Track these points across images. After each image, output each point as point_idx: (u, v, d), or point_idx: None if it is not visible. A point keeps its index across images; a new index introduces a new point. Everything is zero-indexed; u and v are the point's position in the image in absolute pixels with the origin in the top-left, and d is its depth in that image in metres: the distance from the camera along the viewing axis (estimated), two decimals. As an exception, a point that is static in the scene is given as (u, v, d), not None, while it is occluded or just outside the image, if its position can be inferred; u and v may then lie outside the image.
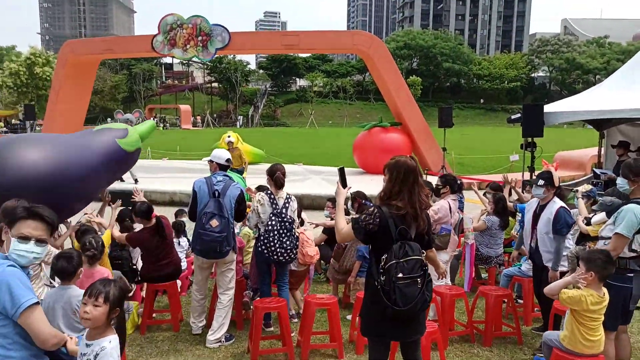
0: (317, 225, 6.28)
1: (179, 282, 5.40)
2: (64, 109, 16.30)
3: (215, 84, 72.54)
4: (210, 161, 4.77)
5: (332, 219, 6.20)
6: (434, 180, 6.48)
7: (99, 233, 4.69)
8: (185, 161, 19.25)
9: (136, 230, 5.02)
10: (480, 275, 6.42)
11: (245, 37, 15.85)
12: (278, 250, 4.60)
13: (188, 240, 6.03)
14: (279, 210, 4.64)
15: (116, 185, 11.40)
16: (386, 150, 13.69)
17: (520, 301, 5.32)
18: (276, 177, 4.69)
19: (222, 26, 15.07)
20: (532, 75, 77.11)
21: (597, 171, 9.56)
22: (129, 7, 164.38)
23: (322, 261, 6.56)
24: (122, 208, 5.53)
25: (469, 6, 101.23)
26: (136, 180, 12.23)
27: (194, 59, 16.08)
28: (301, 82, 76.67)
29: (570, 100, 10.15)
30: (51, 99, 16.91)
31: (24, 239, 2.50)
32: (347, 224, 2.98)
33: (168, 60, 70.35)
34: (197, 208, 4.49)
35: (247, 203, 4.99)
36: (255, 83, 76.22)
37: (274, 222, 4.61)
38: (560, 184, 4.70)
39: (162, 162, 19.33)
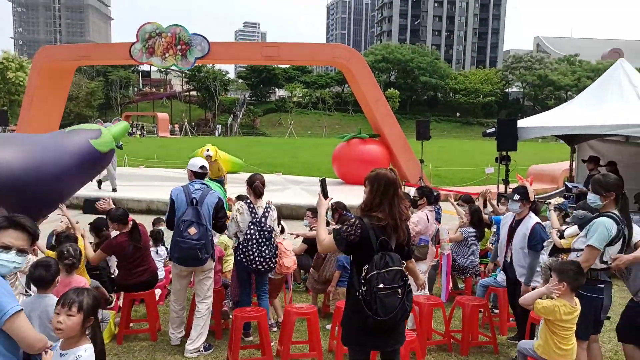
0: (297, 236, 6.30)
1: (157, 292, 5.34)
2: (38, 114, 15.96)
3: (193, 93, 72.09)
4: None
5: (311, 229, 6.24)
6: (412, 191, 6.59)
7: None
8: (163, 169, 19.04)
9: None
10: (457, 285, 6.52)
11: (225, 47, 15.86)
12: (257, 259, 4.60)
13: (166, 248, 5.98)
14: (258, 219, 4.65)
15: (92, 193, 11.22)
16: (365, 161, 13.84)
17: (496, 311, 5.42)
18: (255, 186, 4.72)
19: (202, 36, 15.04)
20: (506, 90, 79.12)
21: (569, 184, 9.85)
22: (106, 14, 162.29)
23: (301, 270, 6.58)
24: (98, 217, 5.46)
25: (445, 22, 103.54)
26: (114, 190, 12.05)
27: (173, 67, 16.00)
28: (280, 93, 76.86)
29: (543, 115, 10.46)
30: (25, 104, 16.53)
31: (5, 248, 2.47)
32: (329, 234, 3.02)
33: (145, 67, 69.69)
34: (175, 216, 4.47)
35: (227, 212, 4.99)
36: (235, 92, 76.05)
37: (252, 231, 4.61)
38: (535, 198, 4.83)
39: (139, 170, 19.07)
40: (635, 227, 3.93)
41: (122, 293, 5.00)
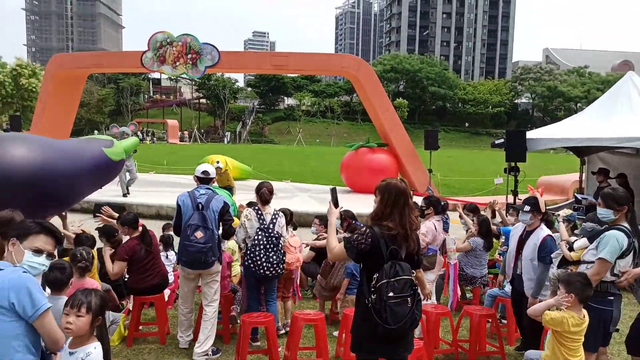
0: (306, 245, 6.33)
1: (166, 292, 5.39)
2: (51, 121, 16.18)
3: (203, 100, 72.63)
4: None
5: (318, 237, 6.28)
6: (419, 200, 6.61)
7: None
8: (172, 175, 19.19)
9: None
10: (465, 295, 6.51)
11: (234, 57, 16.03)
12: (264, 264, 4.65)
13: (176, 253, 6.04)
14: (265, 226, 4.71)
15: (103, 198, 11.35)
16: (373, 170, 13.87)
17: (504, 321, 5.41)
18: (261, 193, 4.80)
19: (212, 45, 15.22)
20: (516, 101, 78.92)
21: (579, 196, 9.80)
22: (117, 23, 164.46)
23: (309, 278, 6.61)
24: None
25: (453, 33, 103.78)
26: (125, 195, 12.17)
27: (183, 75, 16.18)
28: (289, 101, 77.20)
29: (552, 127, 10.46)
30: (37, 110, 16.78)
31: (38, 252, 2.61)
32: (339, 243, 3.06)
33: (156, 75, 70.33)
34: (182, 221, 4.54)
35: (236, 219, 5.04)
36: (244, 100, 76.52)
37: (260, 237, 4.67)
38: (547, 210, 4.81)
39: (149, 175, 19.22)
40: None
41: (131, 296, 5.06)
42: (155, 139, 54.08)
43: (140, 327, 4.99)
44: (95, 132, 53.53)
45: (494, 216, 6.95)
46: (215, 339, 4.61)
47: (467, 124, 73.95)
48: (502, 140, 9.97)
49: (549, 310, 3.42)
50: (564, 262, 4.42)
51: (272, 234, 4.71)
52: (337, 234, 5.29)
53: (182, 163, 22.20)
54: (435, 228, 5.06)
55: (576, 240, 4.50)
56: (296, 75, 69.64)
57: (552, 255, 4.26)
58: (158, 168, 21.23)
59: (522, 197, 10.67)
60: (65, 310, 2.47)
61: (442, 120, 74.18)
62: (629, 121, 8.24)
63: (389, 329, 2.72)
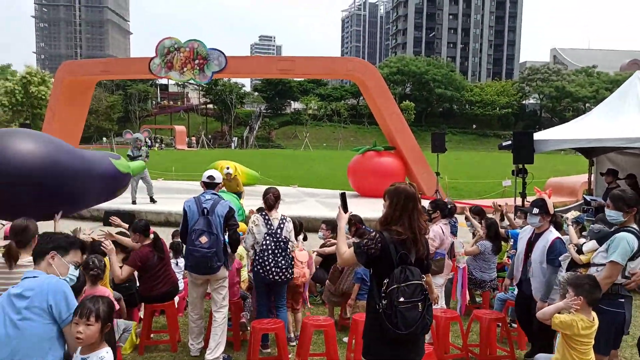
0: (317, 254, 6.34)
1: (176, 300, 5.43)
2: (60, 128, 16.34)
3: (210, 106, 73.06)
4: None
5: (325, 243, 6.29)
6: (427, 204, 6.60)
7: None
8: (180, 182, 19.29)
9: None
10: (475, 299, 6.49)
11: (241, 62, 16.11)
12: (273, 269, 4.67)
13: (185, 260, 6.09)
14: (273, 231, 4.74)
15: (113, 206, 11.46)
16: (380, 174, 13.88)
17: (515, 325, 5.39)
18: (266, 199, 4.84)
19: (219, 50, 15.32)
20: (523, 102, 78.54)
21: (588, 198, 9.74)
22: (125, 29, 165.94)
23: (317, 284, 6.61)
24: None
25: (460, 35, 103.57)
26: (134, 202, 12.26)
27: (191, 81, 16.30)
28: (296, 105, 77.44)
29: (560, 128, 10.41)
30: (47, 118, 16.97)
31: (75, 265, 2.88)
32: (348, 248, 3.07)
33: (163, 81, 70.85)
34: (188, 227, 4.58)
35: (244, 225, 5.07)
36: (250, 105, 76.85)
37: (268, 242, 4.70)
38: (555, 212, 4.77)
39: (157, 182, 19.32)
40: None
41: (142, 304, 5.10)
42: (163, 145, 54.45)
43: (152, 335, 5.03)
44: (104, 138, 54.08)
45: (502, 219, 6.92)
46: (226, 346, 4.63)
47: (474, 126, 73.71)
48: (509, 142, 9.94)
49: (558, 313, 3.41)
50: (573, 265, 4.40)
51: (280, 239, 4.74)
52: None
53: (190, 169, 22.33)
54: (443, 232, 5.06)
55: (585, 242, 4.48)
56: (302, 79, 69.87)
57: (560, 259, 4.23)
58: (166, 175, 21.35)
59: (530, 199, 10.64)
60: (74, 319, 2.51)
61: (449, 123, 74.00)
62: (637, 121, 8.18)
63: (400, 334, 2.73)
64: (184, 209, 4.63)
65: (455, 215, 6.87)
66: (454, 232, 6.36)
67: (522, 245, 4.62)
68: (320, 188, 18.10)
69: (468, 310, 5.89)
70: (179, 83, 62.81)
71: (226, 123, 69.50)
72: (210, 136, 64.02)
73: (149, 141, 13.29)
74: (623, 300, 3.73)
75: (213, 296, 4.68)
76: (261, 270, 4.69)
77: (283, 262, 4.71)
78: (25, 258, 3.66)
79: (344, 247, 3.06)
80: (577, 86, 70.55)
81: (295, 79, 69.79)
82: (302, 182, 19.83)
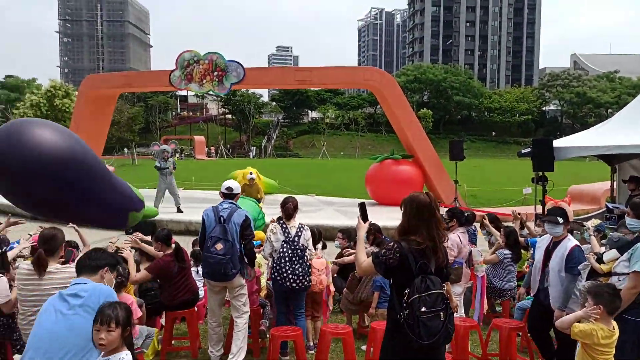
0: (336, 264, 6.37)
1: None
2: (84, 139, 16.63)
3: (229, 116, 73.92)
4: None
5: (342, 252, 6.32)
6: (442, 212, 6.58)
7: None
8: (200, 191, 19.53)
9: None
10: (495, 308, 6.43)
11: (259, 73, 16.33)
12: (290, 277, 4.73)
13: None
14: (291, 239, 4.82)
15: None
16: (398, 182, 13.86)
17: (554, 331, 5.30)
18: (285, 208, 4.93)
19: (237, 62, 15.56)
20: (544, 108, 77.51)
21: (610, 205, 9.58)
22: (145, 42, 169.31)
23: (335, 292, 6.63)
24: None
25: (477, 42, 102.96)
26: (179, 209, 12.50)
27: (210, 92, 16.57)
28: (313, 114, 77.80)
29: (581, 135, 10.29)
30: (72, 129, 17.37)
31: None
32: (367, 257, 3.09)
33: (183, 92, 72.01)
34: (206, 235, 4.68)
35: (262, 233, 5.14)
36: (268, 115, 77.50)
37: (285, 249, 4.78)
38: (576, 219, 4.71)
39: (178, 192, 19.57)
40: None
41: (163, 311, 5.20)
42: (183, 155, 55.18)
43: (173, 342, 5.12)
44: (126, 149, 55.06)
45: (522, 227, 6.87)
46: (245, 353, 4.69)
47: (493, 133, 72.95)
48: (528, 149, 9.85)
49: (577, 322, 3.39)
50: (594, 274, 4.35)
51: (297, 247, 4.81)
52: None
53: (210, 179, 22.58)
54: (460, 240, 5.05)
55: (605, 252, 4.42)
56: (320, 88, 70.24)
57: (579, 267, 4.19)
58: (186, 184, 21.63)
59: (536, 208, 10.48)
60: (95, 326, 2.61)
61: (468, 130, 73.40)
62: (660, 127, 8.05)
63: (423, 344, 2.73)
64: (203, 218, 4.75)
65: (475, 224, 6.86)
66: (473, 241, 6.32)
67: (539, 254, 4.55)
68: (339, 197, 18.13)
69: (488, 319, 5.84)
70: (198, 94, 63.81)
71: (244, 133, 70.18)
72: (229, 146, 64.66)
73: (172, 152, 13.55)
74: (647, 310, 3.67)
75: (233, 303, 4.75)
76: (278, 278, 4.76)
77: (300, 269, 4.77)
78: (53, 265, 3.79)
79: (363, 256, 3.08)
80: (598, 92, 69.38)
81: (312, 89, 70.22)
82: (320, 190, 19.89)
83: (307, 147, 67.09)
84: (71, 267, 3.83)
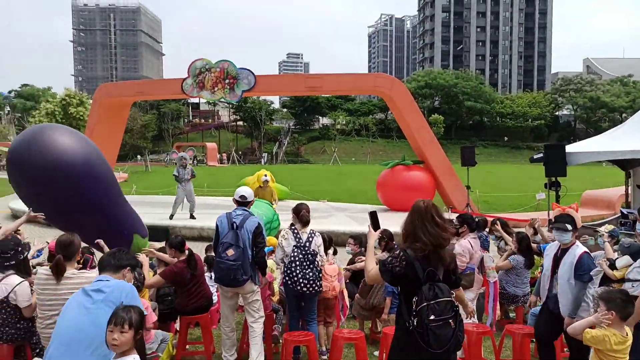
0: (348, 270, 6.40)
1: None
2: (98, 146, 16.92)
3: (240, 123, 74.39)
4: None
5: (354, 258, 6.33)
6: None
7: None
8: (213, 197, 19.68)
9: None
10: (508, 314, 6.40)
11: (270, 80, 16.49)
12: (301, 280, 4.78)
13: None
14: (302, 244, 4.89)
15: (149, 221, 11.84)
16: (409, 188, 13.86)
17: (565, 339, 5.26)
18: (301, 215, 4.98)
19: (248, 70, 15.72)
20: (557, 113, 76.87)
21: (624, 211, 9.48)
22: (158, 50, 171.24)
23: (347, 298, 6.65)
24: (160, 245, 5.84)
25: (488, 47, 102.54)
26: (171, 217, 12.60)
27: (221, 99, 16.75)
28: (324, 120, 77.97)
29: (593, 140, 10.23)
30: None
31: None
32: (376, 265, 3.10)
33: (195, 100, 72.66)
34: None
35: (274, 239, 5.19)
36: (279, 121, 77.85)
37: (296, 254, 4.85)
38: (587, 225, 4.67)
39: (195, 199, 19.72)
40: None
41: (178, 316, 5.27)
42: (196, 161, 55.63)
43: (187, 347, 5.18)
44: (139, 156, 55.64)
45: (535, 233, 6.83)
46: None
47: (506, 138, 72.47)
48: (540, 154, 9.81)
49: (589, 328, 3.38)
50: (607, 280, 4.31)
51: (308, 251, 4.87)
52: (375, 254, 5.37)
53: (222, 185, 22.74)
54: (472, 246, 5.05)
55: (618, 257, 4.39)
56: (330, 95, 70.43)
57: (592, 273, 4.16)
58: (199, 191, 21.77)
59: (541, 214, 10.39)
60: (109, 327, 2.68)
61: (480, 135, 73.02)
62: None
63: (433, 352, 2.72)
64: (216, 224, 4.82)
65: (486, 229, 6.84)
66: (485, 247, 6.31)
67: (548, 262, 4.47)
68: (350, 202, 18.15)
69: (501, 325, 5.81)
70: (210, 102, 64.39)
71: (256, 139, 70.56)
72: (240, 152, 65.05)
73: (189, 158, 13.74)
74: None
75: (247, 309, 4.79)
76: (290, 282, 4.82)
77: (311, 274, 4.82)
78: (70, 270, 3.88)
79: (371, 264, 3.09)
80: (612, 96, 68.64)
81: (323, 95, 70.44)
82: (332, 196, 19.93)
83: (318, 153, 67.21)
84: (87, 273, 3.92)
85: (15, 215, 6.32)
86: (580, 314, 4.08)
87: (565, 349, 5.10)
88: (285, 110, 76.93)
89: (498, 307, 5.99)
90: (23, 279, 4.20)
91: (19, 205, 5.47)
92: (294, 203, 5.22)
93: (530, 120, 71.96)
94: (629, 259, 4.15)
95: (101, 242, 5.11)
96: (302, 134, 73.55)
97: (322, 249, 5.08)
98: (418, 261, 2.88)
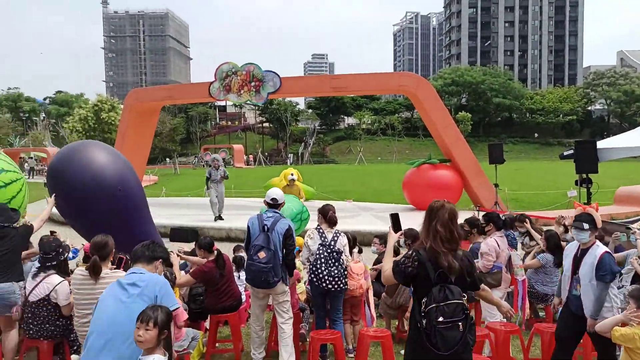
0: (374, 270, 6.43)
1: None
2: (130, 150, 17.46)
3: (266, 124, 75.09)
4: None
5: (379, 258, 6.36)
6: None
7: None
8: (240, 199, 19.94)
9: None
10: (538, 313, 6.32)
11: (295, 82, 16.60)
12: (327, 278, 4.85)
13: (247, 274, 6.36)
14: (327, 242, 4.97)
15: (176, 222, 12.10)
16: (435, 187, 13.74)
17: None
18: (329, 217, 5.07)
19: (274, 72, 15.88)
20: (589, 108, 74.73)
21: (660, 207, 9.21)
22: (185, 55, 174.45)
23: (374, 297, 6.68)
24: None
25: (517, 42, 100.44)
26: (218, 218, 12.85)
27: (247, 102, 16.98)
28: (349, 120, 77.90)
29: (627, 135, 9.96)
30: (118, 141, 18.21)
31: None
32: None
33: (222, 102, 73.64)
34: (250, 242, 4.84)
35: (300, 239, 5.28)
36: (305, 122, 78.15)
37: (321, 252, 4.93)
38: (620, 222, 4.54)
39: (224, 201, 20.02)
40: None
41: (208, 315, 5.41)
42: (224, 163, 56.41)
43: (217, 344, 5.31)
44: (167, 159, 56.80)
45: (566, 231, 6.71)
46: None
47: (536, 135, 70.86)
48: (571, 151, 9.62)
49: (618, 326, 3.33)
50: (638, 278, 4.22)
51: (332, 249, 4.95)
52: (399, 254, 5.40)
53: (249, 186, 23.00)
54: (498, 244, 5.00)
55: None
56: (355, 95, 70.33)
57: (623, 272, 4.08)
58: (226, 192, 22.08)
59: (562, 212, 10.15)
60: (137, 324, 2.79)
61: (509, 132, 71.62)
62: None
63: (440, 354, 2.72)
64: (248, 225, 4.90)
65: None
66: (513, 245, 6.24)
67: (568, 262, 4.36)
68: (376, 202, 18.11)
69: (530, 324, 5.74)
70: (237, 104, 65.22)
71: (282, 140, 71.07)
72: (266, 154, 65.61)
73: (220, 160, 14.02)
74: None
75: (277, 309, 4.87)
76: (315, 279, 4.90)
77: (336, 271, 4.90)
78: (104, 270, 4.05)
79: (388, 265, 3.11)
80: (648, 89, 66.34)
81: (348, 95, 70.39)
82: (357, 196, 19.92)
83: (344, 153, 67.18)
84: (120, 272, 4.08)
85: (51, 219, 6.65)
86: (604, 315, 3.98)
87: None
88: (310, 111, 77.16)
89: (527, 305, 5.91)
90: (63, 279, 4.41)
91: (53, 210, 5.75)
92: (320, 203, 5.29)
93: (561, 115, 70.15)
94: None
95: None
96: (328, 134, 73.66)
97: (347, 248, 5.14)
98: (430, 262, 2.87)
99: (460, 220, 5.82)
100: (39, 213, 5.50)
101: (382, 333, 4.55)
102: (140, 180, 6.35)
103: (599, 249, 4.12)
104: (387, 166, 48.68)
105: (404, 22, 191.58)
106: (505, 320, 4.05)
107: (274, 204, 5.03)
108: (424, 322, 2.78)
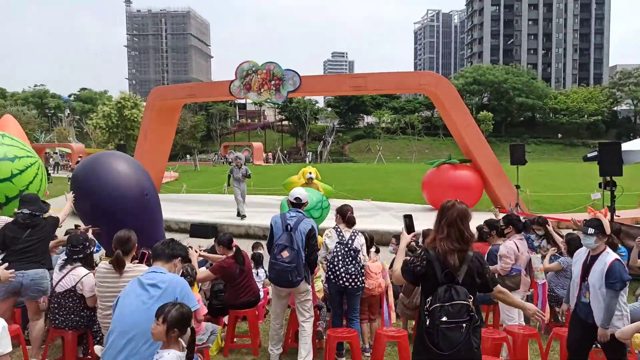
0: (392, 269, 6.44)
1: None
2: (152, 147, 17.79)
3: (285, 122, 75.43)
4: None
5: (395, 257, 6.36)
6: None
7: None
8: (259, 196, 20.09)
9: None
10: (558, 317, 6.24)
11: (314, 80, 16.63)
12: (344, 275, 4.88)
13: (265, 271, 6.44)
14: (345, 241, 5.01)
15: (196, 218, 12.27)
16: (455, 187, 13.62)
17: (599, 345, 5.12)
18: (348, 218, 5.10)
19: (294, 71, 15.94)
20: (615, 108, 73.04)
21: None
22: (207, 53, 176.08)
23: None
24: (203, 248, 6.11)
25: (541, 40, 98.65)
26: (243, 216, 13.00)
27: (267, 100, 17.10)
28: (369, 119, 77.69)
29: (653, 136, 9.72)
30: (140, 138, 18.53)
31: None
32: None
33: (242, 100, 74.19)
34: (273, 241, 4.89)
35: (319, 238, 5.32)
36: (324, 120, 78.25)
37: (338, 249, 4.97)
38: (607, 232, 4.34)
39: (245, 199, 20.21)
40: None
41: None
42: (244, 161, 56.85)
43: (235, 339, 5.40)
44: (188, 156, 57.49)
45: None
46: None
47: (559, 135, 69.57)
48: (594, 153, 9.44)
49: (638, 332, 3.28)
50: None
51: (350, 248, 4.99)
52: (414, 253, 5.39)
53: (268, 184, 23.15)
54: (517, 247, 4.95)
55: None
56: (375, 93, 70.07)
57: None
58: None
59: (619, 213, 9.98)
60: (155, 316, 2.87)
61: (532, 132, 70.50)
62: None
63: (441, 354, 2.71)
64: (271, 224, 4.95)
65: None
66: (533, 247, 6.17)
67: (577, 269, 4.27)
68: (395, 202, 18.05)
69: (550, 328, 5.68)
70: (256, 102, 65.61)
71: (301, 139, 71.29)
72: (285, 152, 65.90)
73: (240, 158, 14.17)
74: None
75: (298, 308, 4.92)
76: (332, 277, 4.94)
77: (353, 269, 4.93)
78: (127, 264, 4.16)
79: (398, 264, 3.13)
80: (677, 89, 64.56)
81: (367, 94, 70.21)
82: (376, 195, 19.87)
83: (363, 151, 67.05)
84: (142, 266, 4.18)
85: (73, 212, 6.90)
86: (614, 323, 3.90)
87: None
88: (329, 109, 77.23)
89: (547, 309, 5.84)
90: (89, 271, 4.55)
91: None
92: (338, 202, 5.32)
93: (586, 116, 68.75)
94: None
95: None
96: (347, 132, 73.60)
97: (364, 248, 5.16)
98: (438, 261, 2.87)
99: (481, 221, 5.86)
100: (62, 207, 5.65)
101: (399, 333, 4.57)
102: (156, 188, 6.56)
103: (609, 256, 4.03)
104: (407, 165, 48.41)
105: (425, 20, 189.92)
106: (530, 324, 3.99)
107: (297, 204, 5.07)
108: (428, 321, 2.79)
